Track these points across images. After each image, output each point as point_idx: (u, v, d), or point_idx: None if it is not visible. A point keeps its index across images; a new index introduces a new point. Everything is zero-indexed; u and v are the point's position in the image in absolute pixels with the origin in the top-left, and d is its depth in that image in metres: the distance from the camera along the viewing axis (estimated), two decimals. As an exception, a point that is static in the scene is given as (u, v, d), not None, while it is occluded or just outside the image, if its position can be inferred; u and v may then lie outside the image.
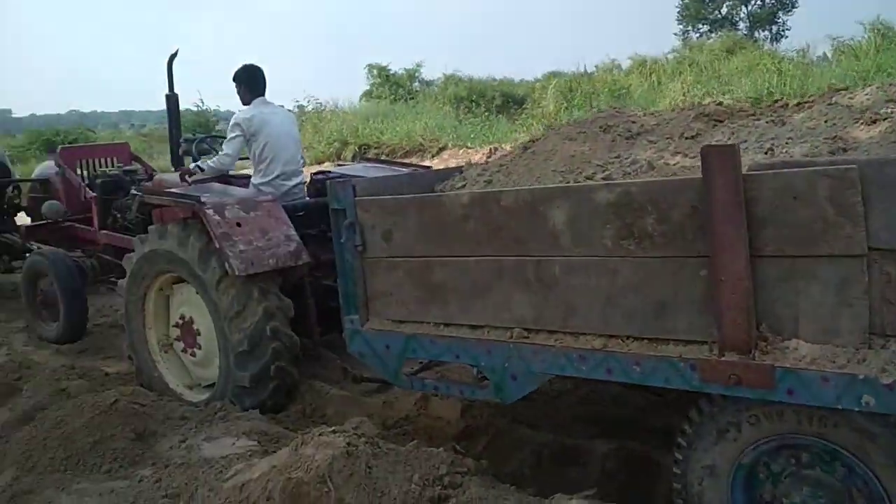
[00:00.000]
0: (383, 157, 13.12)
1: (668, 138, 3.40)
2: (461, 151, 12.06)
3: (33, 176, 7.55)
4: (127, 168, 6.36)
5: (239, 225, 3.98)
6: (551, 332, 2.72)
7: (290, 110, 5.37)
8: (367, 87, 26.89)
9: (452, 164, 11.85)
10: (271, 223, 4.14)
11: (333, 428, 3.07)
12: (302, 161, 5.02)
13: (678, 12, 37.95)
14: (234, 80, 4.88)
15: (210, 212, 3.94)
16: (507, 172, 3.45)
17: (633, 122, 3.67)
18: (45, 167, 7.43)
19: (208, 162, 4.77)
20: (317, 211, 4.79)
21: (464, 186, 3.54)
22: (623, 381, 2.57)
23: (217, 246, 3.88)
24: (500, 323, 2.89)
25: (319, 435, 2.97)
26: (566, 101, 15.45)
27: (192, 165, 4.82)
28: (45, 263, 5.65)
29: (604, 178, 2.93)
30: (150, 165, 6.82)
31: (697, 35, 35.01)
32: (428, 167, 5.45)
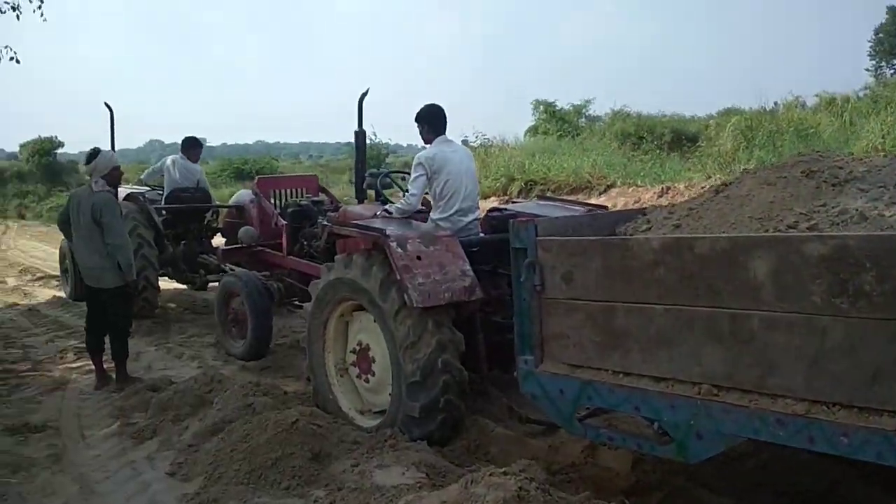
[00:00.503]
0: (549, 194, 13.10)
1: (881, 187, 3.09)
2: (630, 189, 11.75)
3: (230, 202, 8.24)
4: (315, 199, 6.78)
5: (419, 258, 4.09)
6: (745, 391, 2.54)
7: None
8: (533, 123, 27.10)
9: (621, 202, 11.57)
10: (449, 258, 4.21)
11: (504, 469, 3.04)
12: (477, 198, 5.09)
13: (871, 47, 35.08)
14: (416, 119, 5.05)
15: (393, 244, 4.08)
16: (698, 217, 3.29)
17: (840, 168, 3.37)
18: (241, 195, 8.10)
19: (396, 205, 4.95)
20: (491, 247, 4.85)
21: (649, 229, 3.43)
22: (826, 451, 2.35)
23: (398, 277, 4.00)
24: (688, 377, 2.74)
25: (490, 475, 2.95)
26: (745, 140, 14.61)
27: (379, 211, 5.00)
28: (239, 284, 6.10)
29: (808, 228, 2.73)
30: (335, 197, 7.23)
31: (892, 72, 32.13)
32: (605, 207, 5.35)
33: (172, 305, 8.34)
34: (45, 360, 6.34)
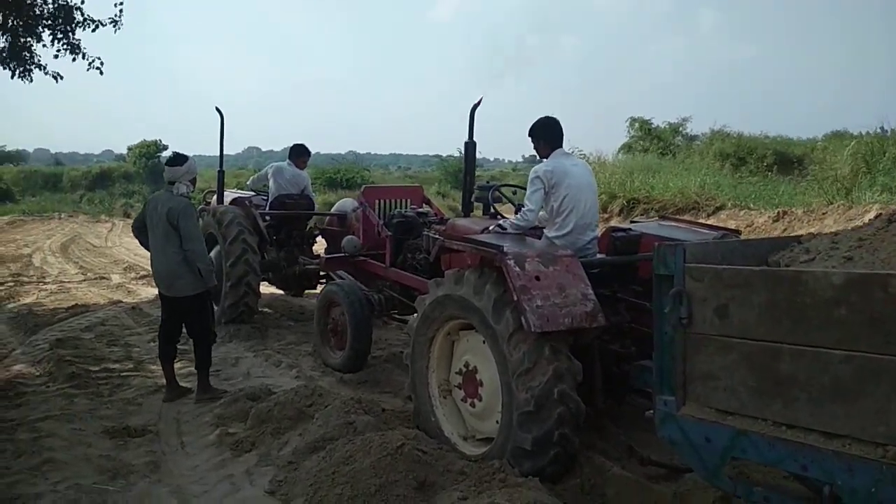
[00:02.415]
0: (652, 213, 12.55)
1: None
2: (742, 212, 11.10)
3: (333, 210, 8.17)
4: (419, 210, 6.59)
5: (538, 279, 3.79)
6: (946, 458, 2.12)
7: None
8: (627, 140, 26.46)
9: (731, 224, 10.93)
10: (569, 279, 3.90)
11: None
12: (597, 215, 4.76)
13: None
14: (530, 133, 4.77)
15: (511, 262, 3.80)
16: (872, 249, 2.87)
17: None
18: (344, 203, 8.03)
19: (511, 220, 4.68)
20: (613, 270, 4.51)
21: (812, 261, 3.03)
22: None
23: (515, 298, 3.72)
24: (871, 436, 2.34)
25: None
26: (866, 165, 13.66)
27: (493, 226, 4.73)
28: (340, 294, 5.95)
29: None
30: (439, 209, 7.03)
31: None
32: (737, 232, 4.91)
33: (269, 311, 8.32)
34: (147, 360, 6.36)
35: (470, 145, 5.72)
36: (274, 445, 4.22)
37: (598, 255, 4.64)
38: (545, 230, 4.72)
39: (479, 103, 5.64)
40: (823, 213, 10.00)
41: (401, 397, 5.38)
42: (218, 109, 8.07)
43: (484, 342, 4.14)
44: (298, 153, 8.36)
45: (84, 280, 11.76)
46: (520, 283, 3.73)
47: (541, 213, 4.89)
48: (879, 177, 11.63)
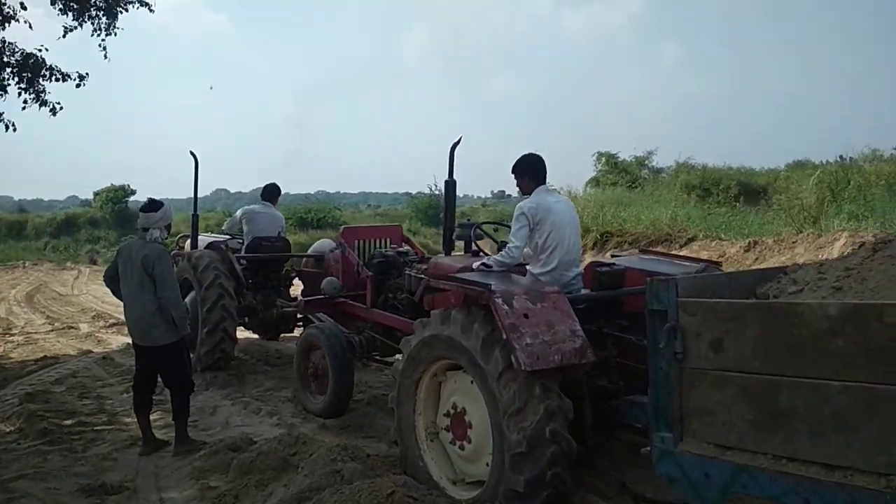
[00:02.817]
0: (625, 246, 12.66)
1: None
2: (713, 243, 11.24)
3: (309, 251, 8.09)
4: (399, 249, 6.55)
5: (526, 316, 3.76)
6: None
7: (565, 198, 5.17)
8: (594, 175, 26.80)
9: (704, 255, 11.05)
10: (557, 316, 3.87)
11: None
12: (580, 251, 4.77)
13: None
14: (514, 171, 4.79)
15: (499, 300, 3.76)
16: (860, 279, 2.90)
17: None
18: (322, 244, 7.96)
19: (495, 257, 4.65)
20: (598, 305, 4.50)
21: (800, 291, 3.04)
22: None
23: (504, 337, 3.68)
24: (872, 467, 2.34)
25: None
26: (831, 194, 13.96)
27: (477, 263, 4.69)
28: (321, 337, 5.85)
29: None
30: (419, 248, 6.99)
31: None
32: (717, 264, 4.95)
33: (245, 356, 8.14)
34: (121, 412, 6.16)
35: (450, 184, 5.71)
36: (258, 498, 4.08)
37: (583, 291, 4.63)
38: (529, 267, 4.70)
39: (458, 142, 5.64)
40: (793, 242, 10.16)
41: (385, 441, 5.27)
42: (192, 153, 7.99)
43: (472, 382, 4.08)
44: (273, 192, 8.31)
45: (52, 330, 11.46)
46: (508, 322, 3.69)
47: (525, 249, 4.88)
48: (845, 205, 11.89)
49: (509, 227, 6.26)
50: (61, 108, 10.87)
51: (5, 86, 10.29)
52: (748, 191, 20.44)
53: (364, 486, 3.69)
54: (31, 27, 10.70)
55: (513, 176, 4.83)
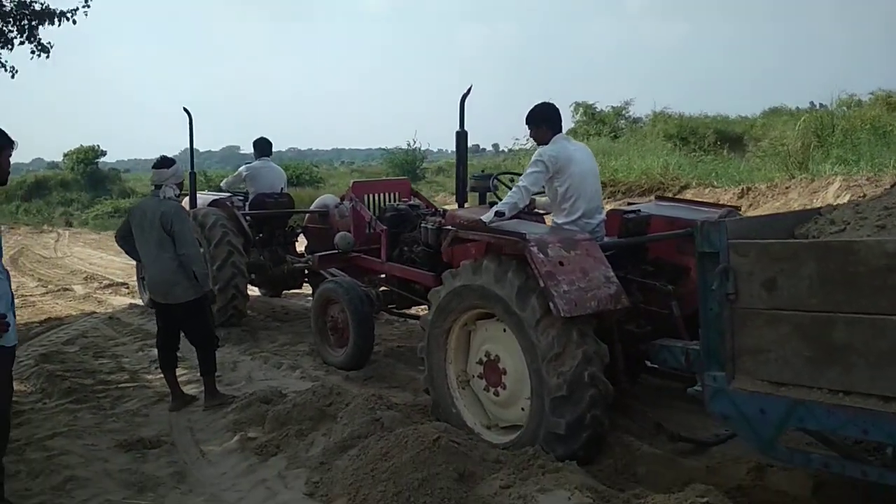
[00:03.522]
0: (618, 195, 12.75)
1: None
2: (706, 191, 11.36)
3: (312, 207, 8.07)
4: (411, 203, 6.56)
5: (562, 264, 3.82)
6: None
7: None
8: (573, 126, 26.74)
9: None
10: (591, 263, 3.94)
11: (678, 495, 2.78)
12: (601, 198, 4.81)
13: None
14: (528, 120, 4.77)
15: (535, 249, 3.81)
16: (904, 216, 2.98)
17: None
18: (325, 199, 7.93)
19: (503, 201, 4.62)
20: (624, 252, 4.56)
21: (843, 231, 3.13)
22: None
23: (542, 285, 3.74)
24: (930, 396, 2.43)
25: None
26: (817, 138, 14.13)
27: (491, 213, 4.66)
28: (339, 291, 5.88)
29: None
30: (429, 201, 7.00)
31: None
32: (737, 208, 5.03)
33: (252, 313, 8.15)
34: (140, 370, 6.18)
35: (461, 135, 5.71)
36: (300, 447, 4.16)
37: (606, 238, 4.69)
38: (552, 216, 4.75)
39: (468, 92, 5.62)
40: (787, 188, 10.32)
41: (409, 391, 5.36)
42: (186, 110, 7.86)
43: (505, 330, 4.16)
44: (268, 146, 8.27)
45: (47, 293, 11.34)
46: (545, 270, 3.75)
47: (543, 198, 4.91)
48: (833, 149, 12.04)
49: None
50: (51, 47, 10.62)
51: (11, 39, 10.00)
52: (725, 138, 20.61)
53: (409, 433, 3.76)
54: None
55: (527, 126, 4.83)
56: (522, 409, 4.12)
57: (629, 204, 5.44)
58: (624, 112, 27.35)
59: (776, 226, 3.40)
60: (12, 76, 10.47)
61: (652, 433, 4.13)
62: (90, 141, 40.45)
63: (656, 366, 4.34)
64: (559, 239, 3.98)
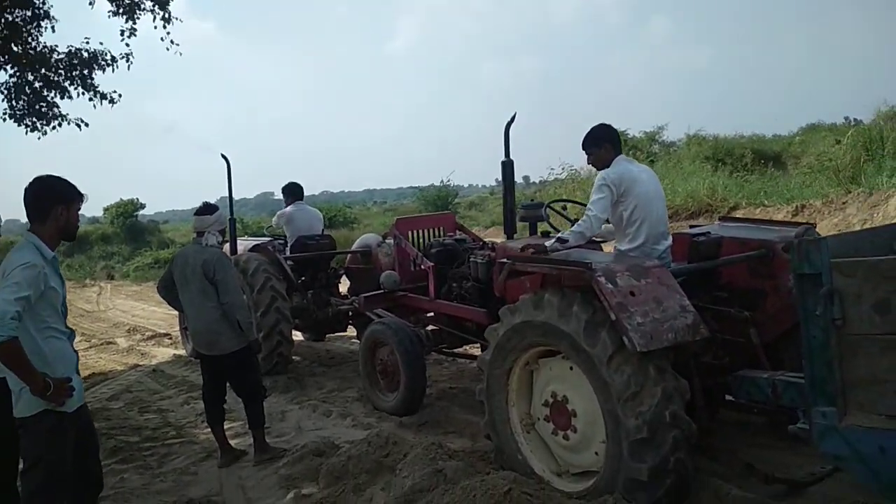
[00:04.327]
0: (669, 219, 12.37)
1: None
2: (757, 210, 10.95)
3: (354, 247, 7.89)
4: (456, 237, 6.34)
5: (633, 294, 3.53)
6: None
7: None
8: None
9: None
10: (664, 292, 3.64)
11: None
12: (667, 223, 4.53)
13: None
14: (586, 144, 4.54)
15: (602, 279, 3.53)
16: None
17: None
18: (367, 238, 7.76)
19: (571, 229, 4.40)
20: (697, 278, 4.26)
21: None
22: None
23: (613, 318, 3.44)
24: None
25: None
26: (866, 152, 13.64)
27: (551, 241, 4.43)
28: (388, 333, 5.64)
29: None
30: (475, 234, 6.77)
31: None
32: (811, 224, 4.69)
33: (297, 358, 7.95)
34: (187, 424, 5.98)
35: (507, 164, 5.50)
36: (358, 504, 3.88)
37: (672, 264, 4.39)
38: (615, 243, 4.47)
39: (512, 120, 5.42)
40: (843, 203, 9.88)
41: (468, 436, 5.07)
42: (224, 156, 7.78)
43: (572, 368, 3.86)
44: (298, 191, 8.13)
45: (90, 347, 11.29)
46: (616, 301, 3.46)
47: (606, 225, 4.63)
48: (888, 160, 11.56)
49: (578, 203, 6.05)
50: (120, 97, 10.71)
51: (65, 88, 10.15)
52: (763, 157, 20.13)
53: (476, 485, 3.47)
54: (64, 30, 10.62)
55: (585, 151, 4.59)
56: (596, 453, 3.81)
57: (691, 226, 5.14)
58: (657, 137, 27.09)
59: (877, 241, 3.09)
60: (80, 128, 10.57)
61: (741, 475, 3.78)
62: (128, 194, 41.39)
63: (737, 399, 4.01)
64: (627, 267, 3.69)
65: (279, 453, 4.90)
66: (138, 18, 10.59)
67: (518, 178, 20.84)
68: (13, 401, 3.16)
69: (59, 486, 3.18)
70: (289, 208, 8.05)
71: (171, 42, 10.82)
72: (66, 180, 3.32)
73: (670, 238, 4.43)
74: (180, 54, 11.11)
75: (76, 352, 3.38)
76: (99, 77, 10.58)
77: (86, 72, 10.27)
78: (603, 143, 4.45)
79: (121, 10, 10.35)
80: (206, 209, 5.05)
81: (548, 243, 4.47)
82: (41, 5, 9.98)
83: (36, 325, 3.06)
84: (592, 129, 4.54)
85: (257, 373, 5.14)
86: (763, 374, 3.74)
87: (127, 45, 10.69)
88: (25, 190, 3.22)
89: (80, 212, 3.37)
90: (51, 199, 3.22)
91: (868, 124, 15.03)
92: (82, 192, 3.39)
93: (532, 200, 5.93)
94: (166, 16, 10.64)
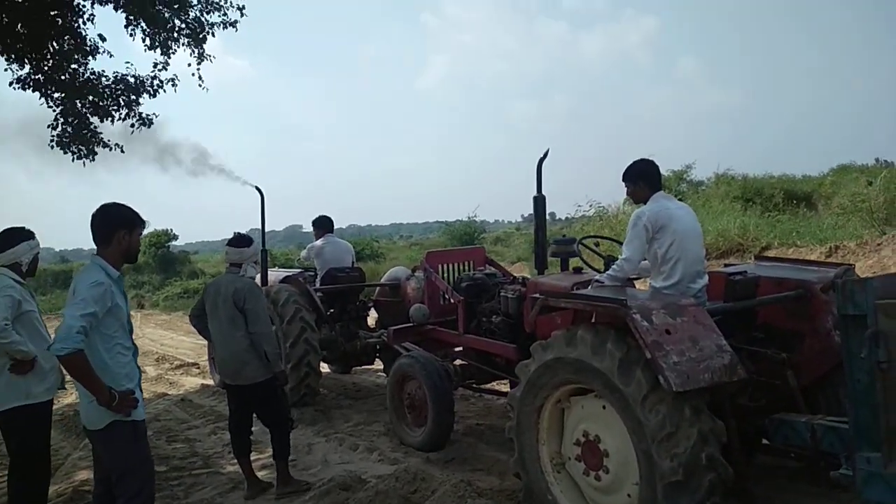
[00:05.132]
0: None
1: None
2: (790, 251, 10.78)
3: (383, 280, 7.90)
4: (486, 272, 6.32)
5: (668, 332, 3.48)
6: None
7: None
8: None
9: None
10: (700, 331, 3.59)
11: None
12: (705, 261, 4.47)
13: None
14: (626, 177, 4.52)
15: (638, 317, 3.48)
16: None
17: None
18: (396, 272, 7.78)
19: (608, 273, 4.39)
20: (734, 318, 4.19)
21: None
22: None
23: (648, 356, 3.39)
24: None
25: None
26: (898, 192, 13.44)
27: (594, 281, 4.43)
28: (416, 367, 5.61)
29: None
30: (505, 269, 6.75)
31: None
32: (851, 265, 4.61)
33: (324, 391, 7.93)
34: (214, 454, 5.97)
35: (539, 199, 5.48)
36: (386, 541, 3.83)
37: (708, 303, 4.33)
38: (650, 280, 4.42)
39: (545, 156, 5.43)
40: (878, 245, 9.70)
41: (495, 474, 4.99)
42: (258, 188, 7.88)
43: (605, 407, 3.80)
44: (328, 224, 8.18)
45: (119, 375, 11.36)
46: (651, 339, 3.41)
47: (643, 262, 4.59)
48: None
49: (611, 240, 6.01)
50: (157, 117, 10.92)
51: (110, 110, 10.37)
52: (793, 197, 19.90)
53: (506, 525, 3.41)
54: (111, 55, 10.78)
55: (624, 184, 4.57)
56: (629, 495, 3.72)
57: (726, 265, 5.07)
58: (685, 176, 26.93)
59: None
60: (122, 151, 10.73)
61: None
62: (161, 224, 41.91)
63: (773, 443, 3.91)
64: (663, 305, 3.65)
65: (303, 486, 4.85)
66: (173, 53, 10.83)
67: (595, 209, 20.86)
68: (82, 414, 3.41)
69: (151, 487, 3.47)
70: (319, 241, 8.10)
71: (200, 78, 11.01)
72: (128, 207, 3.50)
73: (706, 277, 4.37)
74: (207, 90, 11.28)
75: (140, 368, 3.56)
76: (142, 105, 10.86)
77: (133, 97, 10.49)
78: (638, 181, 4.43)
79: (156, 44, 10.59)
80: (243, 241, 5.09)
81: (593, 281, 4.48)
82: (85, 34, 10.26)
83: (103, 341, 3.26)
84: (633, 163, 4.52)
85: (284, 403, 5.12)
86: (801, 419, 3.65)
87: (155, 76, 10.84)
88: (93, 215, 3.41)
89: (141, 237, 3.57)
90: (114, 224, 3.41)
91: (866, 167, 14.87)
92: (144, 218, 3.59)
93: (564, 235, 5.89)
94: (201, 52, 10.87)
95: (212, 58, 10.97)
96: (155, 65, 10.73)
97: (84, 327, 3.07)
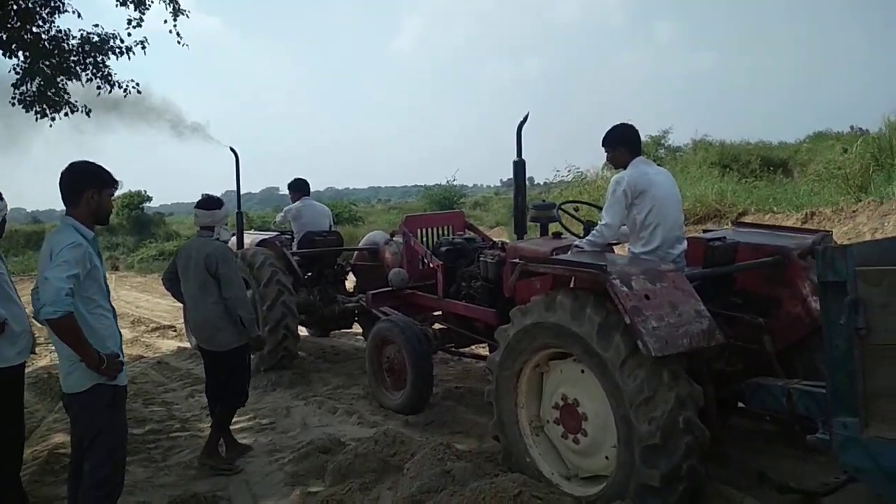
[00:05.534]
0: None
1: None
2: (766, 217, 10.89)
3: (361, 244, 7.85)
4: (466, 236, 6.29)
5: (648, 298, 3.48)
6: None
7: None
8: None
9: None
10: (679, 296, 3.60)
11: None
12: (683, 227, 4.47)
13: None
14: (605, 142, 4.48)
15: (617, 282, 3.48)
16: None
17: None
18: (374, 236, 7.74)
19: (587, 238, 4.37)
20: (712, 283, 4.21)
21: None
22: None
23: (627, 321, 3.40)
24: None
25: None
26: (875, 161, 13.57)
27: (573, 247, 4.42)
28: (395, 331, 5.60)
29: None
30: (484, 233, 6.72)
31: None
32: (828, 232, 4.64)
33: (302, 354, 7.91)
34: (191, 417, 5.95)
35: (519, 164, 5.44)
36: (365, 503, 3.84)
37: (687, 268, 4.35)
38: (629, 246, 4.42)
39: (525, 120, 5.36)
40: (853, 212, 9.82)
41: (474, 437, 5.04)
42: (232, 149, 7.73)
43: (583, 372, 3.82)
44: (305, 187, 8.07)
45: (94, 337, 11.25)
46: (630, 304, 3.42)
47: (623, 227, 4.59)
48: (896, 171, 11.50)
49: (591, 205, 6.00)
50: (137, 85, 10.62)
51: (75, 70, 10.06)
52: (769, 164, 20.06)
53: (485, 488, 3.44)
54: (79, 16, 10.47)
55: (603, 149, 4.54)
56: (606, 458, 3.77)
57: (705, 231, 5.09)
58: (663, 141, 27.00)
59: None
60: (87, 115, 10.43)
61: (754, 483, 3.73)
62: (135, 185, 41.33)
63: (749, 407, 3.97)
64: (643, 270, 3.65)
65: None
66: (147, 9, 10.51)
67: (574, 174, 20.86)
68: (61, 378, 3.35)
69: (122, 455, 3.43)
70: (296, 204, 8.01)
71: (178, 35, 10.72)
72: (98, 166, 3.39)
73: (685, 242, 4.38)
74: (187, 46, 10.99)
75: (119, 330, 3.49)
76: (113, 66, 10.55)
77: (99, 58, 10.19)
78: (618, 146, 4.40)
79: (129, 0, 10.28)
80: (212, 202, 4.94)
81: (572, 247, 4.47)
82: None
83: (85, 303, 3.19)
84: (613, 128, 4.48)
85: (248, 376, 5.05)
86: (778, 383, 3.69)
87: (130, 34, 10.52)
88: (61, 174, 3.31)
89: (112, 197, 3.45)
90: (82, 183, 3.31)
91: (875, 133, 14.95)
92: (116, 178, 3.46)
93: (543, 200, 5.86)
94: (176, 7, 10.55)
95: (187, 13, 10.67)
96: (129, 21, 10.42)
97: (71, 289, 3.01)
